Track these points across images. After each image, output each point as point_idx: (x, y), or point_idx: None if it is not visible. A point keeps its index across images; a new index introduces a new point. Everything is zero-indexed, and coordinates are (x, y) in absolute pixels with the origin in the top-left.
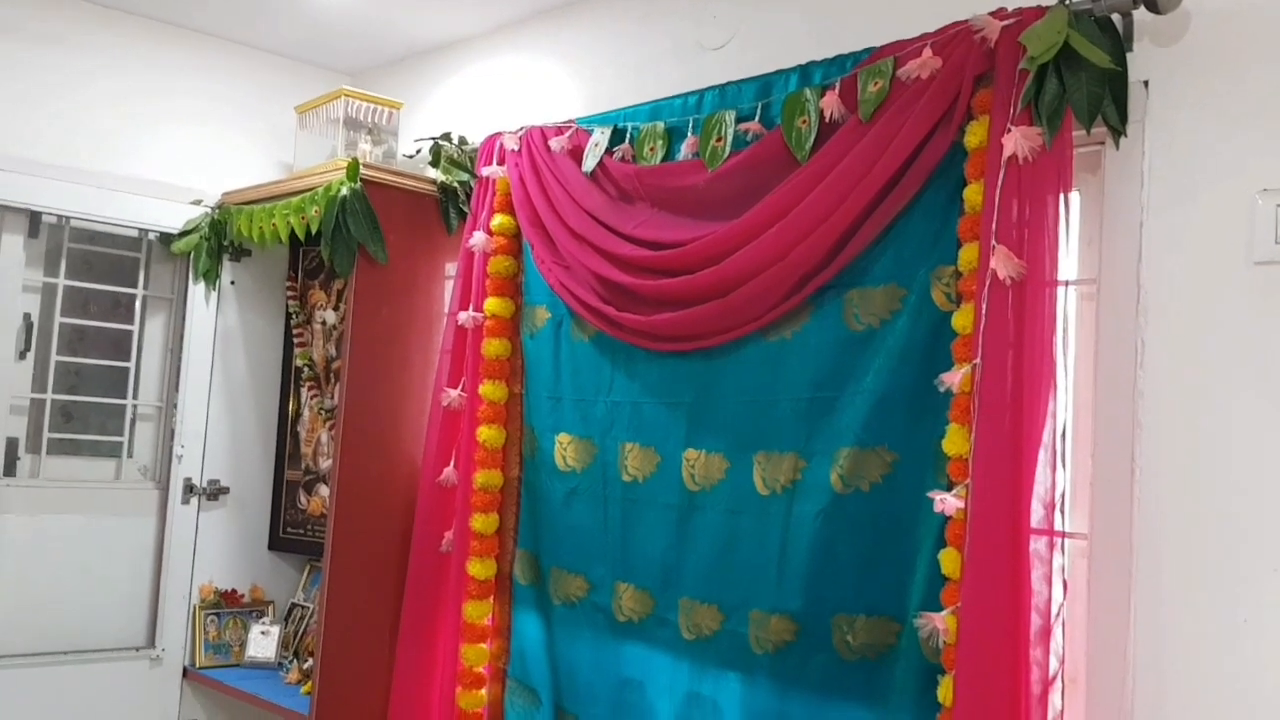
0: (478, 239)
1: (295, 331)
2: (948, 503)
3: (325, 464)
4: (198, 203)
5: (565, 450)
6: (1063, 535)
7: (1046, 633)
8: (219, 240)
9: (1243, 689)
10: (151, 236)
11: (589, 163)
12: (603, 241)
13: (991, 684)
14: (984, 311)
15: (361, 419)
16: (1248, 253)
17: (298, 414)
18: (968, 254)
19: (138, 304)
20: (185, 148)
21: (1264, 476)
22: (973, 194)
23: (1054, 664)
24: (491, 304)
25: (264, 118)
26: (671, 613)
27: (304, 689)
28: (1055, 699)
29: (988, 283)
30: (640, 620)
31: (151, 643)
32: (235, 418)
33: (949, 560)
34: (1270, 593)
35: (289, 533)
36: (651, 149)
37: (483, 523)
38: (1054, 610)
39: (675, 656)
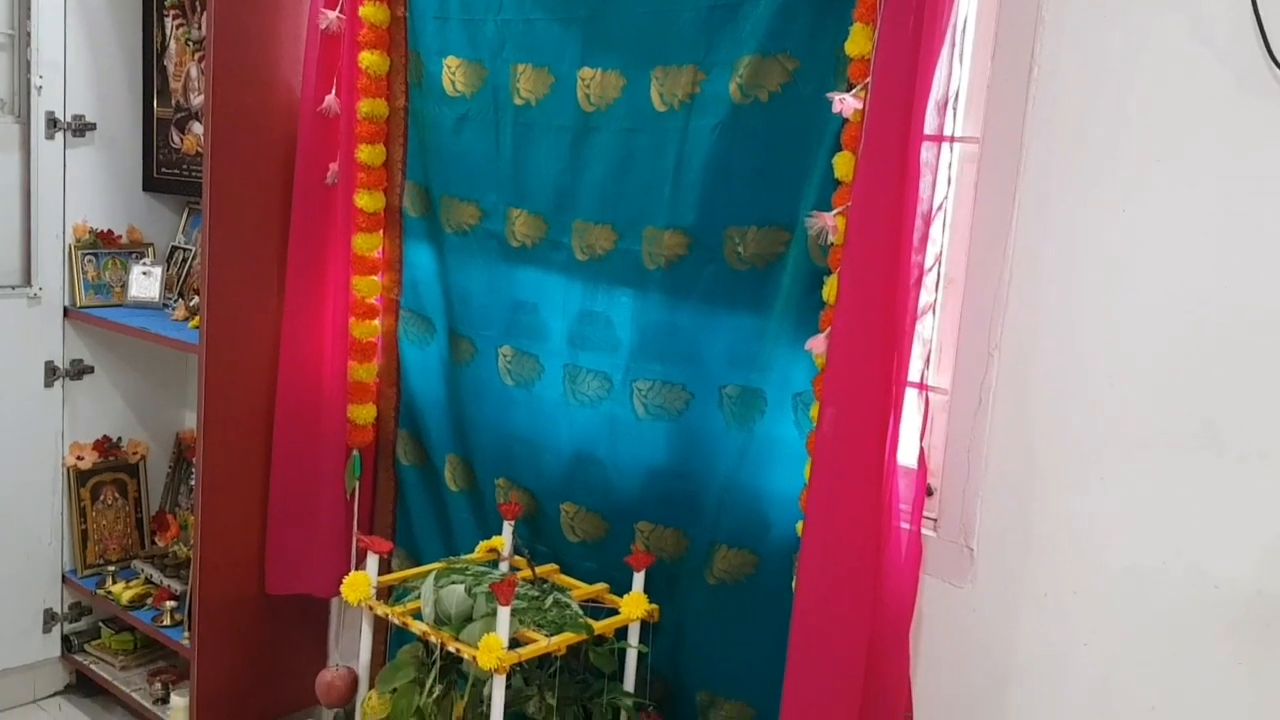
0: None
1: None
2: (846, 103)
3: (197, 100)
4: None
5: (453, 74)
6: (953, 139)
7: (927, 239)
8: None
9: (1114, 275)
10: None
11: None
12: None
13: (873, 279)
14: None
15: (232, 49)
16: None
17: (164, 46)
18: None
19: None
20: None
21: (1156, 69)
22: None
23: (931, 263)
24: None
25: None
26: (565, 236)
27: (191, 324)
28: (929, 294)
29: None
30: (534, 245)
31: (28, 281)
32: (96, 49)
33: (842, 163)
34: (1150, 182)
35: (164, 173)
36: None
37: (369, 154)
38: (936, 211)
39: (568, 277)
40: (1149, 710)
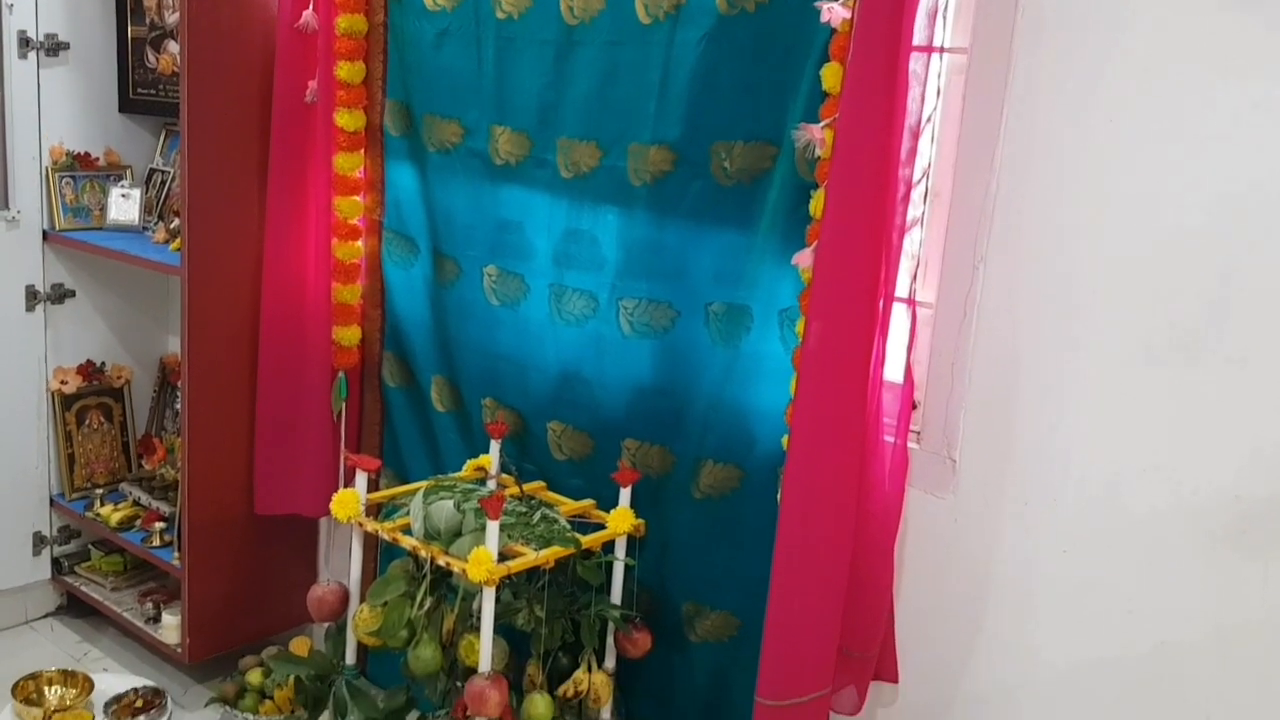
0: None
1: None
2: (835, 12)
3: (171, 18)
4: None
5: None
6: (942, 50)
7: (915, 153)
8: None
9: (1100, 188)
10: None
11: None
12: None
13: (860, 193)
14: None
15: None
16: None
17: None
18: None
19: None
20: None
21: None
22: None
23: (919, 176)
24: None
25: None
26: (549, 153)
27: (173, 246)
28: (915, 208)
29: None
30: (518, 163)
31: (5, 204)
32: None
33: (830, 74)
34: (1137, 92)
35: (140, 94)
36: None
37: (348, 71)
38: (924, 124)
39: (553, 195)
40: (1127, 614)
